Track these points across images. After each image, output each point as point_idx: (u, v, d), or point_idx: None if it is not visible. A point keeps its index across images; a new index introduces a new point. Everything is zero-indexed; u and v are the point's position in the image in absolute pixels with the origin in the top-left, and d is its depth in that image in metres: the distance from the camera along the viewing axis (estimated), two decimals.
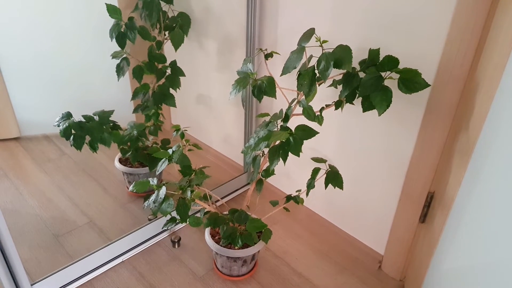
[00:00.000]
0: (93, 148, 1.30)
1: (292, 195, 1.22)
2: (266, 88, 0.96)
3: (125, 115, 1.50)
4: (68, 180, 1.67)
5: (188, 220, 1.00)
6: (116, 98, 1.88)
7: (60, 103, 1.81)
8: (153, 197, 0.98)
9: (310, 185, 1.18)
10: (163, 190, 0.98)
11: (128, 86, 1.91)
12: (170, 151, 1.15)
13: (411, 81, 0.93)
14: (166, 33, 1.47)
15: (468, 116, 0.92)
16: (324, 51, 0.96)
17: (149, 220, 1.44)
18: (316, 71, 0.99)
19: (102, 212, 1.52)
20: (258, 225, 1.06)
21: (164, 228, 1.06)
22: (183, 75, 1.47)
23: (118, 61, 1.41)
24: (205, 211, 1.16)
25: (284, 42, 1.36)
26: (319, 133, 1.00)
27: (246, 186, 1.70)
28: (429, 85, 0.92)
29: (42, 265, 1.28)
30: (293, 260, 1.37)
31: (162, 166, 1.13)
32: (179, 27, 1.41)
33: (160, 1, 1.38)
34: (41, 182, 1.65)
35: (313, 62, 1.02)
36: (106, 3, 1.32)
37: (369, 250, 1.38)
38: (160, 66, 1.45)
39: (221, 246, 1.18)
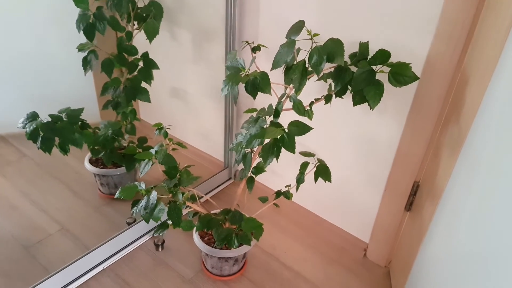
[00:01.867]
0: (64, 150, 1.21)
1: (282, 191, 1.20)
2: (260, 84, 0.92)
3: (88, 112, 1.39)
4: (32, 184, 1.55)
5: (181, 224, 0.95)
6: (78, 93, 1.76)
7: (12, 99, 1.66)
8: (142, 203, 0.92)
9: (300, 180, 1.16)
10: (154, 195, 0.92)
11: (90, 80, 1.79)
12: (152, 151, 1.09)
13: (401, 75, 0.93)
14: (135, 23, 1.38)
15: (459, 109, 0.93)
16: (313, 44, 0.94)
17: (128, 224, 1.37)
18: (307, 65, 0.96)
19: (74, 217, 1.42)
20: (254, 225, 1.03)
21: (155, 235, 1.00)
22: (157, 67, 1.39)
23: (82, 54, 1.31)
24: (194, 212, 1.11)
25: (267, 33, 1.32)
26: (313, 128, 0.98)
27: (228, 182, 1.67)
28: (418, 78, 0.92)
29: (13, 281, 1.18)
30: (282, 254, 1.36)
31: (145, 168, 1.06)
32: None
33: None
34: (1, 188, 1.51)
35: (301, 55, 1.00)
36: None
37: (354, 239, 1.40)
38: (131, 58, 1.36)
39: (212, 247, 1.14)
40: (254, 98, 0.94)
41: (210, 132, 1.69)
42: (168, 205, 0.95)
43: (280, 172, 1.52)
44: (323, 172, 1.15)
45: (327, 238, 1.45)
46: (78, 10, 1.38)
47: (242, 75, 0.94)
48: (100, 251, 1.23)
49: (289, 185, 1.21)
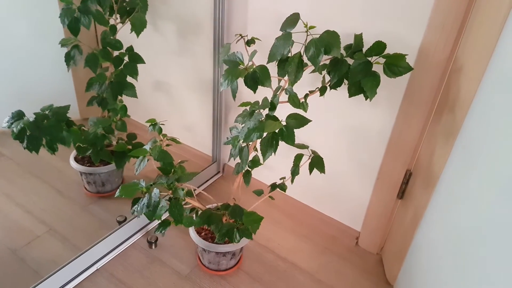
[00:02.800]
0: (52, 149, 1.16)
1: (277, 183, 1.20)
2: (260, 77, 0.91)
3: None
4: (14, 184, 1.49)
5: (183, 221, 0.94)
6: (54, 88, 1.70)
7: None
8: (144, 201, 0.90)
9: (295, 172, 1.17)
10: (156, 192, 0.90)
11: (68, 74, 1.73)
12: (146, 147, 1.07)
13: (396, 65, 0.95)
14: (118, 16, 1.34)
15: (453, 98, 0.96)
16: (308, 37, 0.94)
17: (118, 222, 1.34)
18: (304, 58, 0.96)
19: (62, 217, 1.38)
20: (256, 218, 1.03)
21: (156, 233, 0.98)
22: (143, 61, 1.35)
23: (54, 46, 1.26)
24: (191, 208, 1.10)
25: (256, 25, 1.31)
26: (311, 121, 0.99)
27: (216, 176, 1.65)
28: (412, 69, 0.94)
29: (3, 286, 1.14)
30: (276, 246, 1.37)
31: (141, 165, 1.04)
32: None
33: None
34: None
35: (295, 47, 1.00)
36: None
37: (346, 228, 1.42)
38: (115, 53, 1.32)
39: (209, 242, 1.14)
40: (255, 92, 0.94)
41: (196, 126, 1.67)
42: (169, 202, 0.93)
43: (270, 165, 1.53)
44: (317, 163, 1.16)
45: (319, 228, 1.47)
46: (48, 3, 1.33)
47: (241, 69, 0.93)
48: (93, 251, 1.20)
49: (284, 178, 1.22)
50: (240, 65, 0.95)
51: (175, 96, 1.66)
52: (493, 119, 0.78)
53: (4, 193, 1.44)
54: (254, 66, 0.96)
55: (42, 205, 1.42)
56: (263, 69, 0.92)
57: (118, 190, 0.91)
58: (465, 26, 0.93)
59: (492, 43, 0.81)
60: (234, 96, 0.96)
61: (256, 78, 0.92)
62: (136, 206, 0.91)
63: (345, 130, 1.27)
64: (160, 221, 0.96)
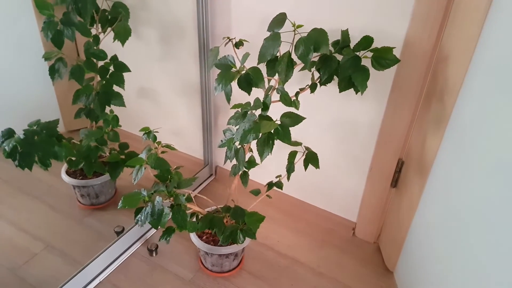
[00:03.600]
0: (45, 165, 1.15)
1: (273, 182, 1.22)
2: (253, 79, 0.92)
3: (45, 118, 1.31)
4: (3, 203, 1.46)
5: (187, 227, 0.94)
6: (36, 101, 1.67)
7: None
8: (148, 210, 0.90)
9: (290, 169, 1.18)
10: (159, 201, 0.90)
11: (50, 87, 1.70)
12: (142, 156, 1.07)
13: (383, 58, 0.98)
14: (99, 26, 1.32)
15: (440, 87, 0.99)
16: (296, 35, 0.95)
17: (116, 232, 1.33)
18: (294, 56, 0.98)
19: (58, 233, 1.36)
20: (258, 218, 1.04)
21: (161, 240, 0.98)
22: (128, 70, 1.35)
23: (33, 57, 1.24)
24: (191, 213, 1.11)
25: (240, 26, 1.31)
26: (306, 118, 1.00)
27: (209, 179, 1.66)
28: (399, 61, 0.97)
29: None
30: (275, 243, 1.39)
31: (138, 174, 1.04)
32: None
33: None
34: None
35: (283, 46, 1.01)
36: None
37: (342, 220, 1.45)
38: (101, 63, 1.31)
39: (212, 245, 1.14)
40: (249, 94, 0.95)
41: (185, 130, 1.66)
42: (171, 209, 0.94)
43: (261, 164, 1.54)
44: (312, 159, 1.17)
45: (316, 222, 1.49)
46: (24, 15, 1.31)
47: (234, 72, 0.94)
48: (94, 264, 1.19)
49: (280, 176, 1.23)
50: (232, 68, 0.95)
51: (162, 102, 1.66)
52: (482, 104, 0.82)
53: None
54: (246, 68, 0.97)
55: (36, 222, 1.39)
56: (256, 71, 0.93)
57: (120, 201, 0.91)
58: (448, 16, 0.96)
59: (477, 31, 0.84)
60: (228, 100, 0.97)
61: (250, 80, 0.93)
62: (139, 215, 0.91)
63: (335, 125, 1.29)
64: (164, 228, 0.96)
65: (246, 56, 0.95)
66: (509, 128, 0.72)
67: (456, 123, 0.93)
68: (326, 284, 1.25)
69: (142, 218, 0.90)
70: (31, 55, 1.61)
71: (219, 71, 0.98)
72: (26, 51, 1.58)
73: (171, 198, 0.96)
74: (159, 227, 0.92)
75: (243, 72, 0.95)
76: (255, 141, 1.00)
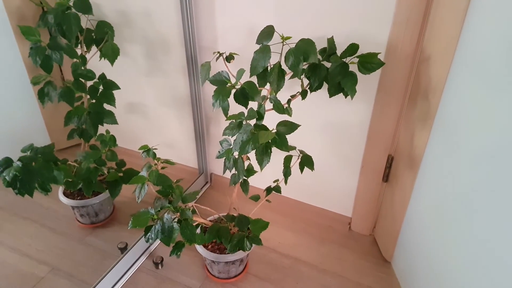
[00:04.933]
0: (46, 190, 1.16)
1: (272, 186, 1.26)
2: (250, 93, 0.96)
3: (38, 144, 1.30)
4: (1, 229, 1.45)
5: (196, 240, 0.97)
6: (23, 123, 1.66)
7: None
8: (158, 227, 0.93)
9: (287, 173, 1.22)
10: (168, 218, 0.93)
11: (35, 107, 1.70)
12: (143, 173, 1.09)
13: (369, 62, 1.02)
14: (84, 46, 1.33)
15: (425, 85, 1.05)
16: (285, 46, 0.99)
17: (120, 249, 1.35)
18: (284, 67, 1.01)
19: (61, 255, 1.37)
20: (262, 225, 1.08)
21: (172, 255, 1.01)
22: (118, 87, 1.36)
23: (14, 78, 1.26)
24: (196, 224, 1.14)
25: (226, 39, 1.34)
26: (300, 125, 1.05)
27: (205, 187, 1.69)
28: (384, 64, 1.02)
29: None
30: (277, 244, 1.43)
31: (142, 192, 1.06)
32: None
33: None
34: None
35: (272, 57, 1.04)
36: (19, 26, 1.15)
37: (338, 216, 1.51)
38: (89, 83, 1.32)
39: (217, 254, 1.18)
40: (246, 108, 0.98)
41: (177, 141, 1.69)
42: (179, 224, 0.97)
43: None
44: (307, 162, 1.22)
45: (313, 220, 1.54)
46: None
47: (229, 88, 0.97)
48: (103, 283, 1.20)
49: (277, 180, 1.27)
50: (228, 84, 0.99)
51: (151, 116, 1.67)
52: (465, 100, 0.88)
53: None
54: (244, 82, 1.00)
55: (38, 245, 1.39)
56: (251, 85, 0.97)
57: (130, 222, 0.93)
58: (427, 20, 1.01)
59: (457, 32, 0.90)
60: (226, 114, 1.00)
61: (246, 94, 0.96)
62: (149, 234, 0.93)
63: (326, 127, 1.34)
64: (173, 243, 0.99)
65: (241, 72, 0.98)
66: (490, 119, 0.78)
67: (443, 119, 0.99)
68: (330, 280, 1.30)
69: (153, 236, 0.92)
70: (15, 78, 1.60)
71: (210, 83, 1.01)
72: (9, 74, 1.58)
73: (177, 214, 0.99)
74: (172, 243, 0.95)
75: (238, 87, 0.98)
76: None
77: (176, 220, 1.01)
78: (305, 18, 1.19)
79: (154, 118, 1.67)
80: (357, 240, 1.47)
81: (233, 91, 1.01)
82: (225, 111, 0.99)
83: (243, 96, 0.97)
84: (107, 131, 1.32)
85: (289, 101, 1.14)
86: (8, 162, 1.10)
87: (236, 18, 1.29)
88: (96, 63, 1.34)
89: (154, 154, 1.12)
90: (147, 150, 1.11)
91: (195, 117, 1.52)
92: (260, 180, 1.59)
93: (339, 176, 1.42)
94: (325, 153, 1.39)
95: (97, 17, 1.38)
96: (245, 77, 1.02)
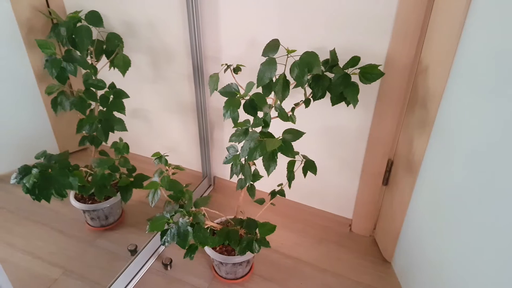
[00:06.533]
0: (62, 195, 1.20)
1: (276, 190, 1.31)
2: (258, 103, 1.01)
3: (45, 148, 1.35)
4: (13, 233, 1.50)
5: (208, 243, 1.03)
6: (31, 127, 1.72)
7: None
8: (173, 231, 0.98)
9: (291, 177, 1.28)
10: (183, 222, 0.98)
11: (43, 112, 1.75)
12: (155, 179, 1.15)
13: (369, 73, 1.09)
14: (94, 56, 1.38)
15: (423, 94, 1.11)
16: (289, 59, 1.05)
17: (130, 251, 1.40)
18: (290, 78, 1.07)
19: (73, 257, 1.42)
20: (270, 228, 1.14)
21: (186, 258, 1.06)
22: (127, 96, 1.41)
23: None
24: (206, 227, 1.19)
25: (229, 48, 1.40)
26: (305, 133, 1.10)
27: (209, 189, 1.74)
28: (384, 74, 1.08)
29: None
30: (279, 245, 1.49)
31: (155, 197, 1.12)
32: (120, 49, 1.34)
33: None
34: None
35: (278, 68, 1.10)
36: (36, 39, 1.20)
37: (338, 217, 1.57)
38: (101, 92, 1.37)
39: (225, 255, 1.23)
40: (255, 117, 1.04)
41: (181, 146, 1.74)
42: (192, 227, 1.02)
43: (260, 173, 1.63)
44: (310, 166, 1.28)
45: (314, 221, 1.60)
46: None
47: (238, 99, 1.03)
48: (116, 285, 1.25)
49: (281, 184, 1.33)
50: (237, 95, 1.04)
51: (156, 121, 1.73)
52: (463, 108, 0.94)
53: (7, 244, 1.45)
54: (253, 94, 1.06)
55: (49, 248, 1.44)
56: (259, 96, 1.03)
57: (148, 226, 0.98)
58: (425, 33, 1.08)
59: (454, 44, 0.96)
60: (235, 124, 1.05)
61: (254, 105, 1.02)
62: (165, 237, 0.99)
63: (328, 132, 1.40)
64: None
65: (251, 85, 1.03)
66: (486, 126, 0.85)
67: (441, 126, 1.05)
68: (332, 279, 1.36)
69: (168, 239, 0.98)
70: (25, 86, 1.66)
71: (220, 94, 1.07)
72: (20, 82, 1.63)
73: (190, 218, 1.04)
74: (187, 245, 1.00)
75: (247, 98, 1.04)
76: None
77: (188, 223, 1.06)
78: (308, 31, 1.24)
79: (158, 123, 1.72)
80: (357, 240, 1.53)
81: (242, 101, 1.07)
82: (235, 120, 1.05)
83: (251, 107, 1.02)
84: (121, 139, 1.37)
85: (293, 109, 1.20)
86: (27, 169, 1.14)
87: (239, 30, 1.35)
88: (104, 72, 1.40)
89: (166, 161, 1.17)
90: (159, 157, 1.16)
91: (200, 122, 1.57)
92: (263, 184, 1.65)
93: (340, 179, 1.48)
94: (326, 157, 1.45)
95: (105, 28, 1.43)
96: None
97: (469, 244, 0.92)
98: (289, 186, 1.28)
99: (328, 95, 1.13)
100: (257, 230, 1.20)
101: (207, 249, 1.25)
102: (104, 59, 1.38)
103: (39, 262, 1.39)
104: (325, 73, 1.12)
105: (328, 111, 1.35)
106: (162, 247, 1.46)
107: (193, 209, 1.14)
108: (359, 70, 1.09)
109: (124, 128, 1.42)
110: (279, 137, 1.09)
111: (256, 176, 1.25)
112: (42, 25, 1.59)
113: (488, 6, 0.85)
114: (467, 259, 0.92)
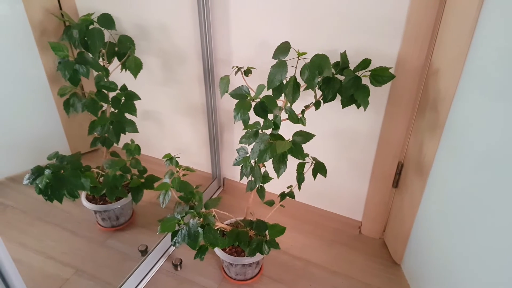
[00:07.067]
0: (74, 196, 1.22)
1: (286, 192, 1.32)
2: (268, 106, 1.02)
3: (56, 149, 1.37)
4: (26, 233, 1.52)
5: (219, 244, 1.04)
6: (42, 127, 1.74)
7: None
8: (184, 232, 0.99)
9: (300, 179, 1.28)
10: (194, 223, 0.99)
11: (54, 113, 1.77)
12: (166, 180, 1.15)
13: (380, 76, 1.09)
14: (106, 58, 1.40)
15: (434, 97, 1.11)
16: (300, 61, 1.05)
17: (140, 251, 1.41)
18: (300, 80, 1.07)
19: (84, 257, 1.44)
20: (279, 229, 1.14)
21: (196, 258, 1.07)
22: (138, 98, 1.42)
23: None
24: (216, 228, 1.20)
25: (240, 52, 1.40)
26: (315, 135, 1.11)
27: (218, 191, 1.75)
28: (394, 77, 1.08)
29: None
30: (288, 247, 1.49)
31: (166, 199, 1.13)
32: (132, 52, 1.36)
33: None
34: None
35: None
36: (49, 42, 1.21)
37: (348, 219, 1.57)
38: (112, 94, 1.39)
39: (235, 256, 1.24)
40: (265, 120, 1.05)
41: (191, 147, 1.75)
42: (202, 228, 1.03)
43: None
44: (320, 168, 1.28)
45: (323, 223, 1.60)
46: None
47: (249, 101, 1.03)
48: (127, 285, 1.27)
49: (291, 186, 1.33)
50: (248, 98, 1.05)
51: (166, 123, 1.74)
52: (474, 111, 0.94)
53: (20, 244, 1.47)
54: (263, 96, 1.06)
55: (61, 248, 1.46)
56: (270, 99, 1.03)
57: (159, 227, 0.99)
58: (436, 36, 1.08)
59: (465, 47, 0.96)
60: (246, 126, 1.06)
61: (265, 107, 1.03)
62: (176, 237, 1.00)
63: (338, 134, 1.40)
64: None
65: (261, 88, 1.04)
66: (497, 129, 0.84)
67: (452, 129, 1.05)
68: (341, 281, 1.36)
69: (179, 240, 0.99)
70: (38, 88, 1.68)
71: (231, 96, 1.07)
72: (32, 84, 1.65)
73: (201, 219, 1.05)
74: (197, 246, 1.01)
75: (258, 100, 1.05)
76: None
77: (198, 224, 1.07)
78: (319, 34, 1.24)
79: (169, 125, 1.73)
80: (367, 243, 1.53)
81: (253, 104, 1.07)
82: (246, 122, 1.05)
83: (262, 109, 1.03)
84: (132, 140, 1.39)
85: (303, 111, 1.20)
86: (39, 170, 1.16)
87: (249, 32, 1.35)
88: (116, 74, 1.41)
89: (177, 163, 1.18)
90: (170, 158, 1.17)
91: (210, 124, 1.58)
92: (272, 185, 1.65)
93: (350, 181, 1.48)
94: (336, 160, 1.45)
95: (117, 30, 1.44)
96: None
97: (479, 247, 0.92)
98: (299, 188, 1.28)
99: (338, 97, 1.14)
100: (266, 232, 1.20)
101: (217, 250, 1.26)
102: (116, 61, 1.39)
103: (52, 262, 1.41)
104: (335, 75, 1.12)
105: (338, 113, 1.35)
106: (172, 248, 1.47)
107: (203, 210, 1.15)
108: (369, 73, 1.09)
109: (135, 130, 1.43)
110: (289, 139, 1.09)
111: (266, 178, 1.25)
112: (54, 28, 1.61)
113: (499, 8, 0.85)
114: (478, 262, 0.92)
